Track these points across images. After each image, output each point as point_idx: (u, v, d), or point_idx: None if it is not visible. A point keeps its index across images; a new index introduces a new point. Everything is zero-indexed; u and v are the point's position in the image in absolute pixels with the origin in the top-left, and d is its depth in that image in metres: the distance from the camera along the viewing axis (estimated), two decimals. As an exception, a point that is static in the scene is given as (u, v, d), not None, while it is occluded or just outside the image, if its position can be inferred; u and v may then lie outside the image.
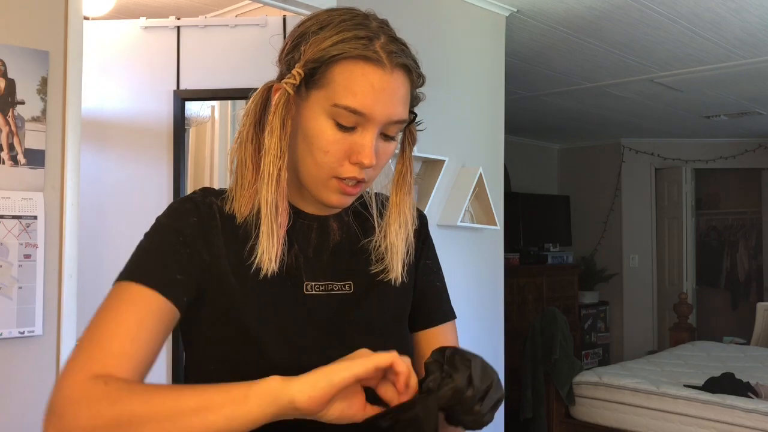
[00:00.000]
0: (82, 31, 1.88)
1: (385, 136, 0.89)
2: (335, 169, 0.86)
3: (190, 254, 0.87)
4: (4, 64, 1.73)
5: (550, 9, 3.08)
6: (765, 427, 3.05)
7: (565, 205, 6.78)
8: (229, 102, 2.78)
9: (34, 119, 1.77)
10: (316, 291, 0.91)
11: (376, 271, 0.95)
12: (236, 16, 2.80)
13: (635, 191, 6.76)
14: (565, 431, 3.74)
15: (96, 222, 2.40)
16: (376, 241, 0.96)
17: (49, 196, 1.79)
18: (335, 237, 0.96)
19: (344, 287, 0.93)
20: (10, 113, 1.73)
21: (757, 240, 7.16)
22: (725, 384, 3.42)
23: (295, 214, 0.93)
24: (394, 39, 0.88)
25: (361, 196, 1.00)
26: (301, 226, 0.93)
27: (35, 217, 1.76)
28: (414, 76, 0.89)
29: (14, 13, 1.76)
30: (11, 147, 1.73)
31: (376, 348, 0.87)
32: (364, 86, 0.84)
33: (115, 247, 2.48)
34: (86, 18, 2.18)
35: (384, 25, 0.89)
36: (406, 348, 0.97)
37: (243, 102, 3.38)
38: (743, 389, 3.38)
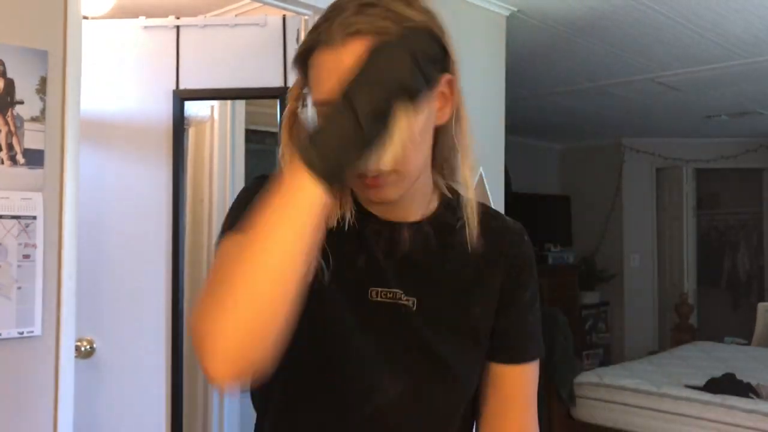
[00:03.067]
0: (81, 30, 1.88)
1: None
2: None
3: None
4: (3, 64, 1.72)
5: (551, 9, 3.07)
6: (766, 428, 3.04)
7: (565, 205, 6.77)
8: (229, 102, 2.78)
9: (33, 119, 1.76)
10: (381, 298, 0.86)
11: (452, 285, 0.89)
12: (236, 15, 2.80)
13: (636, 191, 6.76)
14: (565, 432, 3.74)
15: (96, 222, 2.40)
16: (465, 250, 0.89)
17: (49, 196, 1.78)
18: (405, 246, 0.88)
19: (408, 302, 0.87)
20: (9, 113, 1.73)
21: (758, 240, 7.15)
22: (726, 384, 3.41)
23: (366, 217, 0.88)
24: (367, 5, 0.77)
25: (455, 208, 0.91)
26: (370, 231, 0.88)
27: (34, 217, 1.75)
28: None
29: (13, 13, 1.76)
30: (10, 147, 1.72)
31: (436, 373, 0.87)
32: (322, 74, 0.77)
33: (115, 246, 2.47)
34: (85, 17, 2.18)
35: None
36: (470, 377, 0.91)
37: (243, 102, 3.35)
38: (744, 390, 3.37)
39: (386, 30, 0.74)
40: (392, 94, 0.69)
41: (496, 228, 0.94)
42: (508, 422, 0.93)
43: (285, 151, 0.80)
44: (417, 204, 0.89)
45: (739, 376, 3.51)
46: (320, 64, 0.77)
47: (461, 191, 0.91)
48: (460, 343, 0.89)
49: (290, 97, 0.84)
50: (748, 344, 5.34)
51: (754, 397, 3.33)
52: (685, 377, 3.77)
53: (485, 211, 0.93)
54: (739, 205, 7.38)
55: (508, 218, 1.00)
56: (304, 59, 0.80)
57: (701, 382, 3.53)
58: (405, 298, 0.86)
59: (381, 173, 0.77)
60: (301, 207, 0.67)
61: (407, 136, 0.72)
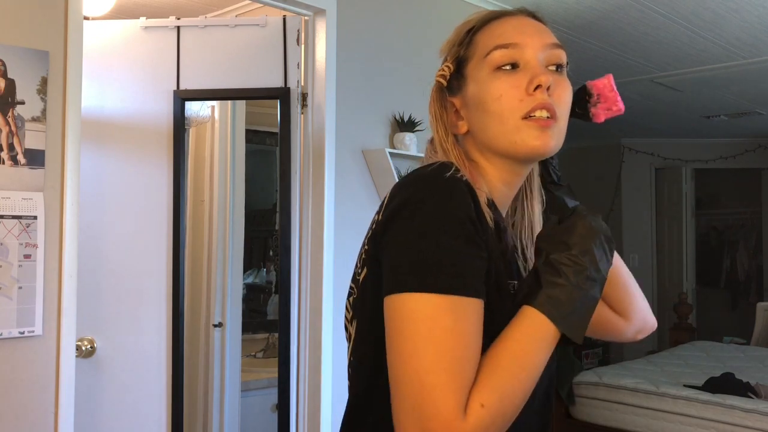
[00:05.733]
0: (82, 31, 1.89)
1: (554, 67, 0.87)
2: (516, 107, 0.83)
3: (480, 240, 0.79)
4: (4, 64, 1.73)
5: (550, 9, 3.07)
6: (765, 428, 3.05)
7: (565, 205, 6.77)
8: (229, 102, 2.78)
9: (34, 119, 1.77)
10: (513, 290, 0.88)
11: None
12: (236, 16, 2.80)
13: (635, 191, 6.76)
14: (565, 431, 3.74)
15: (96, 222, 2.40)
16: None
17: (49, 196, 1.79)
18: (509, 235, 0.93)
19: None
20: (10, 113, 1.73)
21: (756, 240, 7.16)
22: (725, 384, 3.41)
23: (491, 205, 0.88)
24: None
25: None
26: (498, 220, 0.88)
27: (35, 217, 1.76)
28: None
29: (14, 13, 1.76)
30: (11, 147, 1.73)
31: None
32: (504, 28, 0.88)
33: (116, 246, 2.48)
34: (86, 18, 2.18)
35: None
36: None
37: (243, 102, 3.35)
38: (743, 389, 3.37)
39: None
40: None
41: None
42: None
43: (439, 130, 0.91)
44: None
45: (738, 376, 3.52)
46: (499, 26, 0.88)
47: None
48: None
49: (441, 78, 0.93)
50: (747, 344, 5.35)
51: (753, 396, 3.34)
52: (684, 377, 3.77)
53: None
54: (737, 205, 7.39)
55: None
56: (466, 40, 0.90)
57: (700, 382, 3.54)
58: (514, 289, 0.87)
59: (554, 121, 0.85)
60: (548, 352, 0.80)
61: (568, 94, 0.90)
